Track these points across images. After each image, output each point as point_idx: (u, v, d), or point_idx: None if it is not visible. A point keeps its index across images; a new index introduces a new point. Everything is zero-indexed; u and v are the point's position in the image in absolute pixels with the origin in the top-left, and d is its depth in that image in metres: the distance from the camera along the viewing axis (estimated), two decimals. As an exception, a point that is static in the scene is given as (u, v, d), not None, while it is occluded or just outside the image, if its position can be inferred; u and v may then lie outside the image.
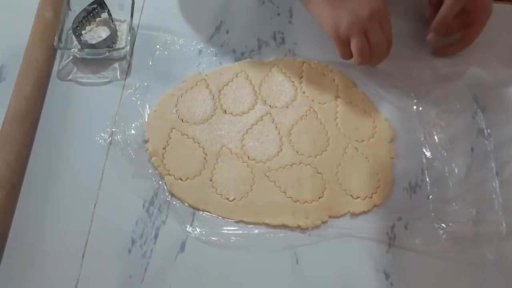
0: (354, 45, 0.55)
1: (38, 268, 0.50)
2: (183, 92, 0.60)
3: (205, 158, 0.56)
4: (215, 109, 0.59)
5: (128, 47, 0.61)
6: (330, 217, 0.54)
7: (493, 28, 0.65)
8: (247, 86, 0.61)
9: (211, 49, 0.63)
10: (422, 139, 0.58)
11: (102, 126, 0.57)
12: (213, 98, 0.60)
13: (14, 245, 0.51)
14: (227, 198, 0.54)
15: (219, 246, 0.51)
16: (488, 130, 0.58)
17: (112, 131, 0.56)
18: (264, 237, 0.52)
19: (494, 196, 0.54)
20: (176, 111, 0.59)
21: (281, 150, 0.57)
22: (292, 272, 0.51)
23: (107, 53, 0.60)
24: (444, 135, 0.57)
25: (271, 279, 0.51)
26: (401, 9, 0.66)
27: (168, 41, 0.63)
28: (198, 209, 0.53)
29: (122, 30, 0.63)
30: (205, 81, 0.61)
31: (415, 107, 0.60)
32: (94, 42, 0.60)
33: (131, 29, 0.62)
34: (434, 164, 0.56)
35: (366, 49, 0.55)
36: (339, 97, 0.60)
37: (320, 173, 0.56)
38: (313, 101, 0.60)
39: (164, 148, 0.56)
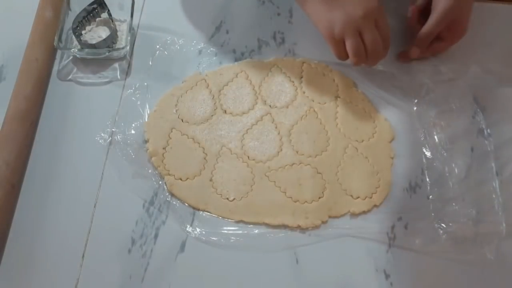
0: (349, 46, 0.55)
1: (38, 268, 0.50)
2: (183, 92, 0.60)
3: (205, 158, 0.56)
4: (215, 109, 0.59)
5: (128, 47, 0.61)
6: (330, 217, 0.54)
7: (493, 28, 0.65)
8: (247, 86, 0.61)
9: (211, 49, 0.63)
10: (422, 139, 0.58)
11: (102, 126, 0.57)
12: (213, 98, 0.60)
13: (14, 245, 0.51)
14: (227, 198, 0.54)
15: (219, 246, 0.51)
16: (488, 130, 0.58)
17: (112, 131, 0.57)
18: (264, 237, 0.52)
19: (494, 196, 0.54)
20: (176, 111, 0.59)
21: (281, 150, 0.57)
22: (292, 272, 0.51)
23: (107, 53, 0.60)
24: (444, 135, 0.57)
25: (271, 279, 0.51)
26: (401, 9, 0.66)
27: (168, 41, 0.63)
28: (198, 209, 0.53)
29: (122, 30, 0.63)
30: (205, 81, 0.61)
31: (415, 107, 0.60)
32: (94, 42, 0.60)
33: (131, 29, 0.62)
34: (434, 164, 0.56)
35: (361, 49, 0.55)
36: (339, 97, 0.60)
37: (320, 173, 0.56)
38: (313, 101, 0.60)
39: (164, 148, 0.56)
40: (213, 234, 0.52)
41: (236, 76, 0.61)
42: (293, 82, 0.61)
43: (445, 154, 0.56)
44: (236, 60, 0.63)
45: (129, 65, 0.62)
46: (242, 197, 0.54)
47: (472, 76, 0.62)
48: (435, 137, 0.57)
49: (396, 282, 0.51)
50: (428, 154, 0.57)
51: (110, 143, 0.56)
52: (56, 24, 0.60)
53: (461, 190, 0.54)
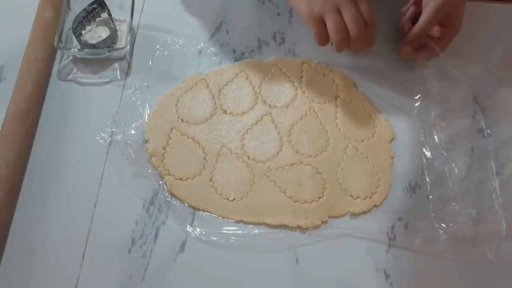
0: (329, 23, 0.55)
1: (38, 268, 0.50)
2: (183, 92, 0.60)
3: (205, 158, 0.56)
4: (215, 109, 0.59)
5: (128, 47, 0.61)
6: (330, 217, 0.54)
7: (493, 28, 0.65)
8: (247, 86, 0.61)
9: (211, 49, 0.63)
10: (422, 139, 0.58)
11: (102, 126, 0.57)
12: (213, 98, 0.60)
13: (14, 245, 0.51)
14: (227, 198, 0.54)
15: (219, 246, 0.51)
16: (488, 130, 0.58)
17: (112, 131, 0.56)
18: (264, 237, 0.52)
19: (494, 196, 0.54)
20: (176, 111, 0.59)
21: (281, 150, 0.57)
22: (292, 272, 0.51)
23: (107, 53, 0.60)
24: (444, 135, 0.57)
25: (271, 279, 0.51)
26: (399, 7, 0.65)
27: (168, 41, 0.63)
28: (198, 209, 0.53)
29: (122, 30, 0.63)
30: (205, 81, 0.61)
31: (415, 107, 0.60)
32: (94, 42, 0.60)
33: (131, 29, 0.61)
34: (434, 164, 0.56)
35: (342, 26, 0.55)
36: (339, 97, 0.60)
37: (320, 173, 0.56)
38: (313, 101, 0.60)
39: (164, 148, 0.56)
40: (213, 234, 0.52)
41: (236, 76, 0.61)
42: (293, 82, 0.61)
43: (445, 154, 0.56)
44: (236, 60, 0.63)
45: (129, 65, 0.62)
46: (242, 197, 0.54)
47: (473, 76, 0.62)
48: (435, 137, 0.57)
49: (396, 282, 0.51)
50: (428, 154, 0.57)
51: (110, 143, 0.56)
52: (56, 24, 0.60)
53: (461, 190, 0.54)
